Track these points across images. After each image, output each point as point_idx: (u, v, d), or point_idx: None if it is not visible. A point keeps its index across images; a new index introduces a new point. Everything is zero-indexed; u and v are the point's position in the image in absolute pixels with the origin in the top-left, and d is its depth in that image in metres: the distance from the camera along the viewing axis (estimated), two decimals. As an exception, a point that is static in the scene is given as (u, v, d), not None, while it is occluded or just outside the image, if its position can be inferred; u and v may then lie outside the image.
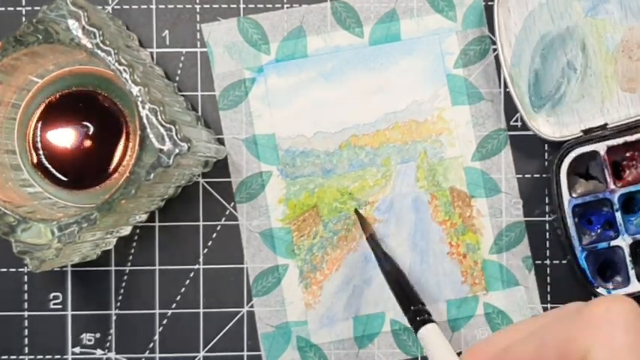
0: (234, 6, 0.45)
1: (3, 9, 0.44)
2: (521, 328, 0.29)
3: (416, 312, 0.39)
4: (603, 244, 0.42)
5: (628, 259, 0.42)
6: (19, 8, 0.45)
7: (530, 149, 0.44)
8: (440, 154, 0.44)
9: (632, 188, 0.42)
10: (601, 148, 0.42)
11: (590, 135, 0.42)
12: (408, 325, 0.44)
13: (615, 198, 0.42)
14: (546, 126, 0.43)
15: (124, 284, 0.44)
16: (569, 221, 0.42)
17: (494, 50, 0.44)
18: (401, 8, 0.44)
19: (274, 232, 0.44)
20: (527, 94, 0.43)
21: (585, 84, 0.43)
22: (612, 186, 0.42)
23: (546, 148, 0.45)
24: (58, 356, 0.44)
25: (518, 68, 0.43)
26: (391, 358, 0.44)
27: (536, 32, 0.43)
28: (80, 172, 0.39)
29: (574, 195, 0.42)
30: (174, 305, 0.44)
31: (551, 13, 0.43)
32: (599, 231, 0.43)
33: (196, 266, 0.44)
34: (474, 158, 0.44)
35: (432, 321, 0.38)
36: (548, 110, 0.43)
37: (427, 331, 0.38)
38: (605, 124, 0.43)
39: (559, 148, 0.42)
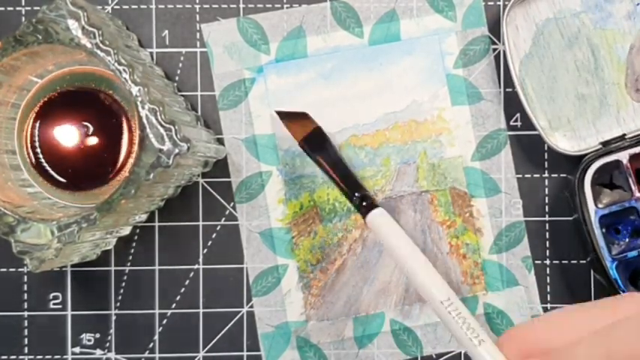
0: (234, 6, 0.45)
1: (3, 9, 0.44)
2: (571, 321, 0.27)
3: (361, 198, 0.40)
4: (633, 253, 0.41)
5: None
6: (18, 8, 0.45)
7: (530, 149, 0.44)
8: (440, 154, 0.44)
9: None
10: (623, 156, 0.42)
11: (609, 147, 0.42)
12: (408, 325, 0.44)
13: None
14: (564, 141, 0.43)
15: (123, 284, 0.44)
16: (597, 232, 0.41)
17: (495, 50, 0.44)
18: (401, 8, 0.44)
19: (274, 232, 0.44)
20: (544, 111, 0.43)
21: (600, 95, 0.43)
22: (637, 194, 0.42)
23: (546, 148, 0.44)
24: (58, 356, 0.44)
25: (532, 86, 0.43)
26: (391, 358, 0.44)
27: (547, 47, 0.43)
28: (80, 173, 0.39)
29: (600, 206, 0.42)
30: (174, 305, 0.44)
31: (559, 28, 0.43)
32: (627, 240, 0.43)
33: (196, 266, 0.44)
34: (473, 158, 0.44)
35: (378, 205, 0.40)
36: (565, 125, 0.43)
37: (374, 216, 0.39)
38: (624, 135, 0.43)
39: (578, 161, 0.42)
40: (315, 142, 0.42)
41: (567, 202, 0.44)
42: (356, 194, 0.40)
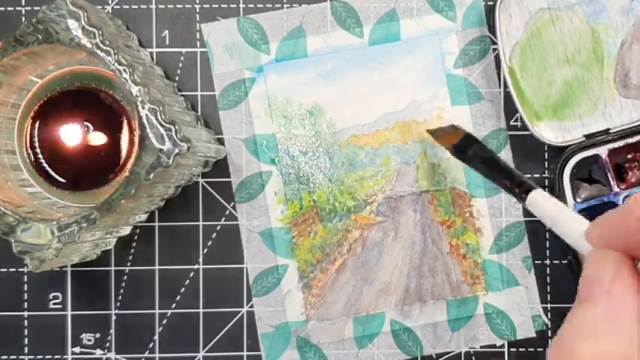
0: (234, 6, 0.45)
1: (3, 9, 0.44)
2: None
3: (519, 183, 0.36)
4: None
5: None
6: (19, 8, 0.45)
7: (530, 149, 0.44)
8: (440, 154, 0.44)
9: (636, 189, 0.42)
10: (602, 151, 0.42)
11: (593, 140, 0.42)
12: (408, 325, 0.44)
13: (620, 200, 0.42)
14: (549, 131, 0.43)
15: (123, 284, 0.44)
16: None
17: (494, 50, 0.44)
18: (401, 8, 0.44)
19: (274, 232, 0.44)
20: (530, 99, 0.43)
21: (588, 88, 0.43)
22: (616, 188, 0.42)
23: (546, 148, 0.45)
24: (58, 356, 0.44)
25: (521, 73, 0.43)
26: (391, 358, 0.44)
27: (538, 37, 0.43)
28: (80, 173, 0.39)
29: (578, 200, 0.42)
30: (174, 305, 0.44)
31: (552, 18, 0.43)
32: None
33: (196, 266, 0.44)
34: (473, 158, 0.44)
35: (534, 188, 0.36)
36: (551, 115, 0.43)
37: (536, 196, 0.35)
38: (608, 129, 0.43)
39: (561, 153, 0.42)
40: (465, 147, 0.41)
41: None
42: (516, 189, 0.37)
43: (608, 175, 0.42)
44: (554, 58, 0.43)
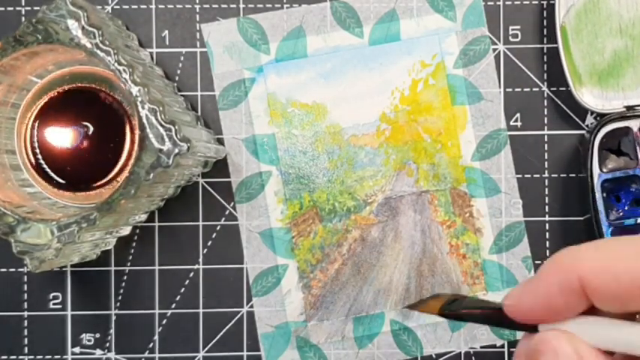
0: (234, 6, 0.45)
1: (3, 9, 0.44)
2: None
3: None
4: (630, 221, 0.42)
5: None
6: (18, 8, 0.45)
7: (530, 149, 0.44)
8: (440, 154, 0.44)
9: None
10: (634, 124, 0.42)
11: (633, 111, 0.42)
12: (408, 325, 0.44)
13: None
14: (590, 97, 0.43)
15: (123, 284, 0.44)
16: (598, 195, 0.42)
17: (494, 50, 0.44)
18: (401, 8, 0.44)
19: (274, 232, 0.44)
20: (577, 63, 0.43)
21: (635, 62, 0.43)
22: None
23: (546, 148, 0.45)
24: (58, 356, 0.44)
25: (572, 35, 0.43)
26: (391, 358, 0.44)
27: (596, 3, 0.43)
28: (80, 174, 0.39)
29: (604, 170, 0.42)
30: (173, 305, 0.44)
31: None
32: (626, 208, 0.43)
33: (196, 266, 0.44)
34: (473, 158, 0.44)
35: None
36: (595, 82, 0.43)
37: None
38: None
39: (584, 140, 0.42)
40: (452, 306, 0.34)
41: (568, 201, 0.44)
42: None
43: (637, 148, 0.42)
44: (607, 27, 0.43)
